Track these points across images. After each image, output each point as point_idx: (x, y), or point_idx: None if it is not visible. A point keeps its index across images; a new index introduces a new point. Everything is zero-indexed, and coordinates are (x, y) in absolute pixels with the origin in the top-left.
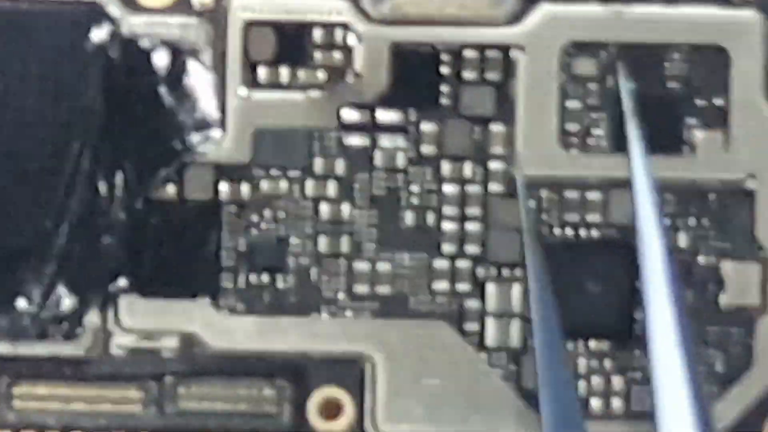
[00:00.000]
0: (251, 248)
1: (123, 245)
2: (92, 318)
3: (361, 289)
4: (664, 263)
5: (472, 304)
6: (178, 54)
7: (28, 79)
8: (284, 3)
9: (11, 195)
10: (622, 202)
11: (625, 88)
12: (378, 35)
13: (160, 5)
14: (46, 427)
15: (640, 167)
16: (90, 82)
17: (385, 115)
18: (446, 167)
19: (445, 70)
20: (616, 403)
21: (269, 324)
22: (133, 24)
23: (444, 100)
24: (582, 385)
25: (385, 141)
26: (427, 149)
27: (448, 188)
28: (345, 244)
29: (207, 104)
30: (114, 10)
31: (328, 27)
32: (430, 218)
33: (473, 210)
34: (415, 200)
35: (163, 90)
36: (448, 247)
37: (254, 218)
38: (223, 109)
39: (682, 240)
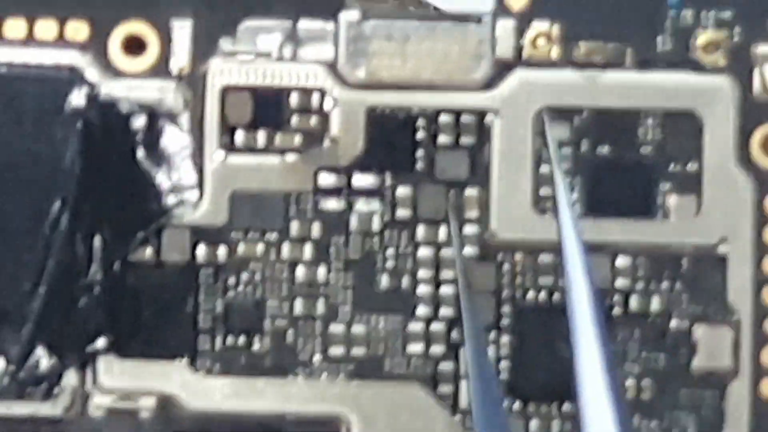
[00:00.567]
0: (228, 310)
1: (101, 306)
2: (70, 378)
3: (336, 351)
4: (594, 321)
5: (447, 366)
6: (156, 118)
7: (8, 141)
8: (261, 68)
9: None
10: (596, 266)
11: (552, 136)
12: (354, 100)
13: (138, 70)
14: None
15: (568, 224)
16: (69, 145)
17: (361, 179)
18: (421, 231)
19: (420, 134)
20: None
21: (246, 385)
22: (111, 88)
23: (419, 165)
24: None
25: (361, 205)
26: (402, 213)
27: (423, 252)
28: (321, 307)
29: (184, 168)
30: (93, 74)
31: (305, 92)
32: (405, 281)
33: (448, 273)
34: (390, 263)
35: (141, 153)
36: (422, 310)
37: (231, 281)
38: (200, 172)
39: (655, 304)
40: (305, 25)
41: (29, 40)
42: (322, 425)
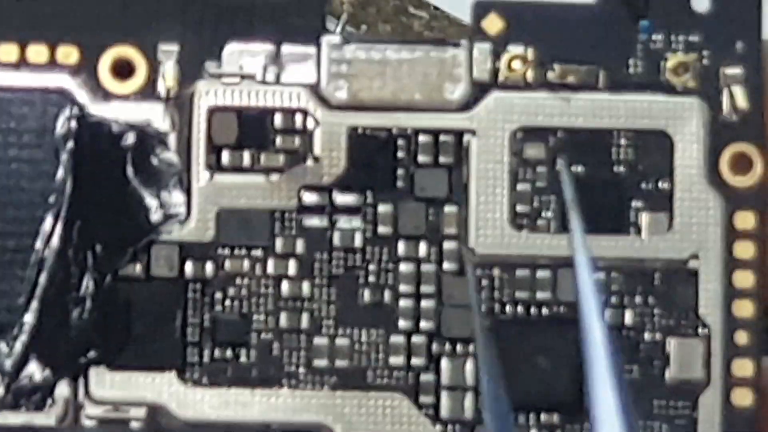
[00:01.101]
0: (215, 324)
1: (92, 320)
2: (63, 390)
3: (320, 363)
4: (605, 340)
5: (428, 377)
6: (145, 138)
7: (2, 161)
8: (246, 90)
9: None
10: (571, 281)
11: (567, 180)
12: (336, 121)
13: (126, 92)
14: None
15: (583, 255)
16: (60, 164)
17: (343, 197)
18: (402, 247)
19: (400, 154)
20: None
21: (233, 396)
22: (101, 110)
23: (399, 183)
24: None
25: (343, 222)
26: (383, 229)
27: (404, 267)
28: (305, 320)
29: (173, 186)
30: (83, 96)
31: (288, 113)
32: (387, 296)
33: (428, 288)
34: (372, 278)
35: (130, 172)
36: (404, 323)
37: (218, 295)
38: (188, 191)
39: (629, 317)
40: (288, 48)
41: (21, 63)
42: None
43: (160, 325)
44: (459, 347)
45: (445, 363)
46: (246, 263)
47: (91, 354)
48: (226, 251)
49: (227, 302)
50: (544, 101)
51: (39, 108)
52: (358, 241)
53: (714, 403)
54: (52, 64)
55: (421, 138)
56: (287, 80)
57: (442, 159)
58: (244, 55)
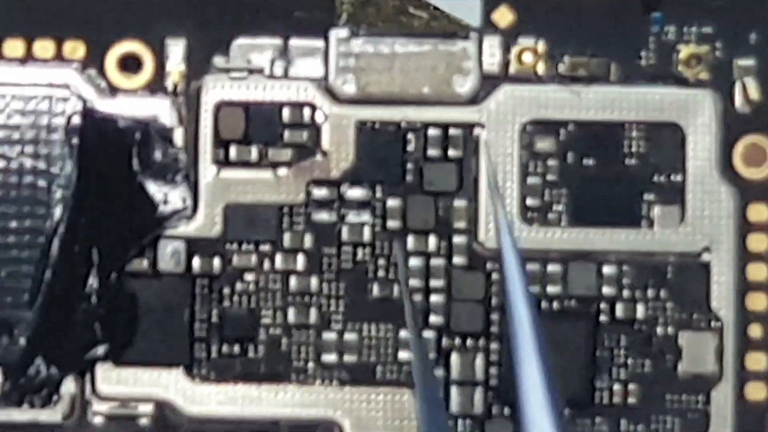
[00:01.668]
0: (223, 319)
1: (99, 316)
2: (69, 386)
3: (329, 358)
4: (532, 329)
5: (437, 372)
6: (152, 133)
7: (7, 156)
8: (254, 84)
9: None
10: (581, 274)
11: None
12: (344, 114)
13: (133, 87)
14: None
15: (508, 242)
16: (66, 159)
17: (352, 192)
18: (411, 241)
19: (409, 147)
20: None
21: (241, 392)
22: (107, 105)
23: (408, 177)
24: None
25: (352, 216)
26: (392, 224)
27: (413, 261)
28: (313, 316)
29: (180, 181)
30: (89, 91)
31: (296, 107)
32: (396, 290)
33: (437, 282)
34: (381, 273)
35: (136, 167)
36: None
37: (226, 291)
38: (195, 186)
39: (641, 311)
40: (296, 42)
41: (28, 59)
42: (315, 430)
43: (167, 321)
44: (469, 342)
45: (454, 358)
46: (254, 258)
47: (98, 350)
48: (234, 246)
49: (235, 297)
50: (555, 94)
51: (45, 103)
52: (366, 235)
53: (727, 397)
54: (59, 59)
55: (431, 132)
56: (295, 74)
57: (451, 153)
58: (252, 49)
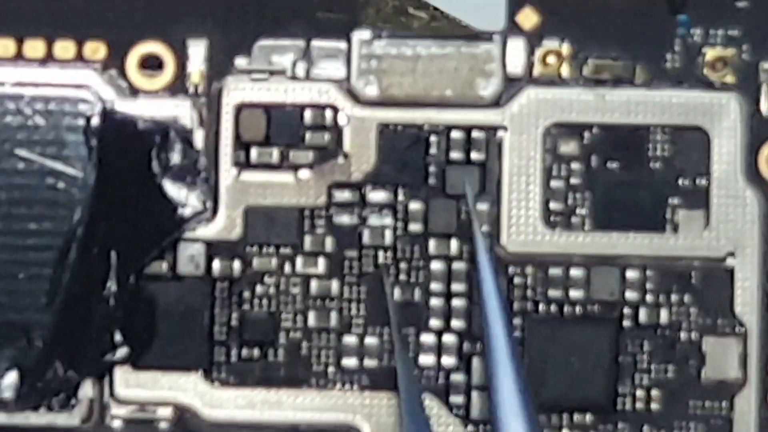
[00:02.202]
0: (243, 323)
1: (117, 319)
2: (87, 390)
3: (349, 362)
4: (506, 331)
5: (458, 377)
6: (172, 135)
7: (26, 158)
8: (275, 86)
9: (8, 270)
10: (604, 279)
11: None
12: (366, 117)
13: (154, 88)
14: None
15: (484, 257)
16: (85, 161)
17: (374, 194)
18: (433, 244)
19: (431, 150)
20: None
21: (261, 396)
22: (128, 106)
23: (431, 180)
24: None
25: (374, 219)
26: (414, 227)
27: (435, 265)
28: (334, 319)
29: (200, 183)
30: (109, 92)
31: (318, 109)
32: (417, 294)
33: (459, 286)
34: (402, 277)
35: (156, 169)
36: (434, 323)
37: (246, 294)
38: (215, 188)
39: (665, 316)
40: (318, 44)
41: (48, 59)
42: None
43: (186, 324)
44: None
45: (476, 363)
46: (274, 261)
47: (116, 353)
48: (254, 249)
49: (255, 301)
50: (579, 97)
51: (65, 104)
52: (388, 238)
53: (750, 403)
54: (79, 60)
55: (453, 134)
56: (317, 76)
57: (474, 155)
58: (273, 51)
